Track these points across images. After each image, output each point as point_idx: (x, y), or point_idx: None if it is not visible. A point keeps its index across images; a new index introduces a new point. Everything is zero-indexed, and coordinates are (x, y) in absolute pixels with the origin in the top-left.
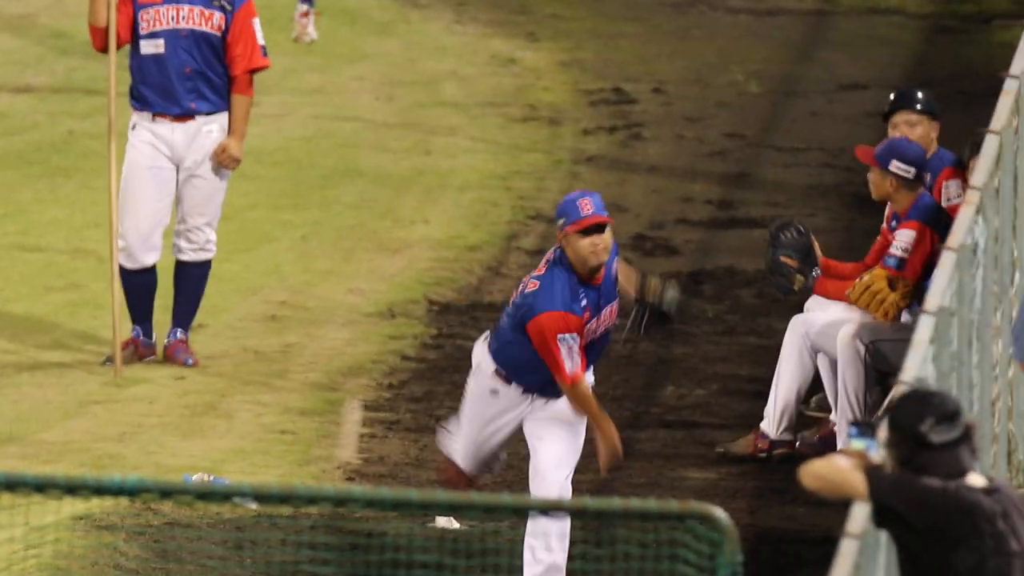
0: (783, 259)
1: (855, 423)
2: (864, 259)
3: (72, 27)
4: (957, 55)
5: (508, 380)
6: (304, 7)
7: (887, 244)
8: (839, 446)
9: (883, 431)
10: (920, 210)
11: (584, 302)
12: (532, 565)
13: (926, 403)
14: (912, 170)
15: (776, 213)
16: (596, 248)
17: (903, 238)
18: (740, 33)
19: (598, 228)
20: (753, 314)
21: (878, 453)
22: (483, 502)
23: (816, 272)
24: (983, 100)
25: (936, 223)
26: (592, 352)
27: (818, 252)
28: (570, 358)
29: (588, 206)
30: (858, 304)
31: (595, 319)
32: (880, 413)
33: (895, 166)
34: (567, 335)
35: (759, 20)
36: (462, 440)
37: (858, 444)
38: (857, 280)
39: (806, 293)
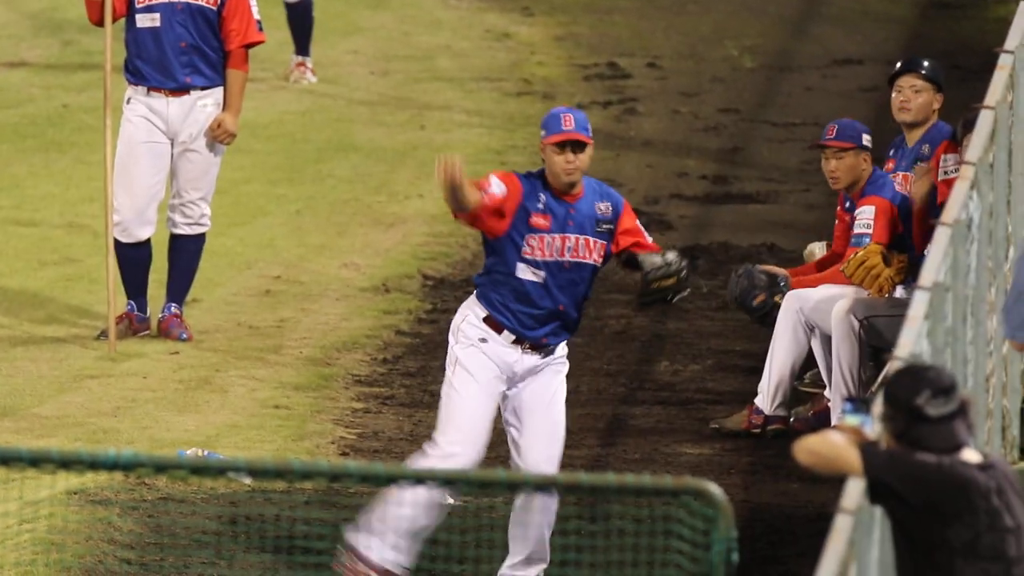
0: (757, 303)
1: (849, 399)
2: (833, 247)
3: (67, 0)
4: (952, 30)
5: (498, 328)
6: (299, 59)
7: (846, 227)
8: (833, 422)
9: (878, 406)
10: (874, 185)
11: (543, 206)
12: (545, 545)
13: (922, 377)
14: (871, 138)
15: (771, 188)
16: (569, 165)
17: (864, 215)
18: (735, 8)
19: (574, 145)
20: None
21: (873, 429)
22: (478, 477)
23: (783, 281)
24: (978, 75)
25: (893, 195)
26: (564, 285)
27: (774, 269)
28: (487, 185)
29: (569, 122)
30: (852, 279)
31: (555, 235)
32: (875, 388)
33: (867, 140)
34: (500, 182)
35: None
36: (456, 426)
37: (852, 420)
38: (851, 255)
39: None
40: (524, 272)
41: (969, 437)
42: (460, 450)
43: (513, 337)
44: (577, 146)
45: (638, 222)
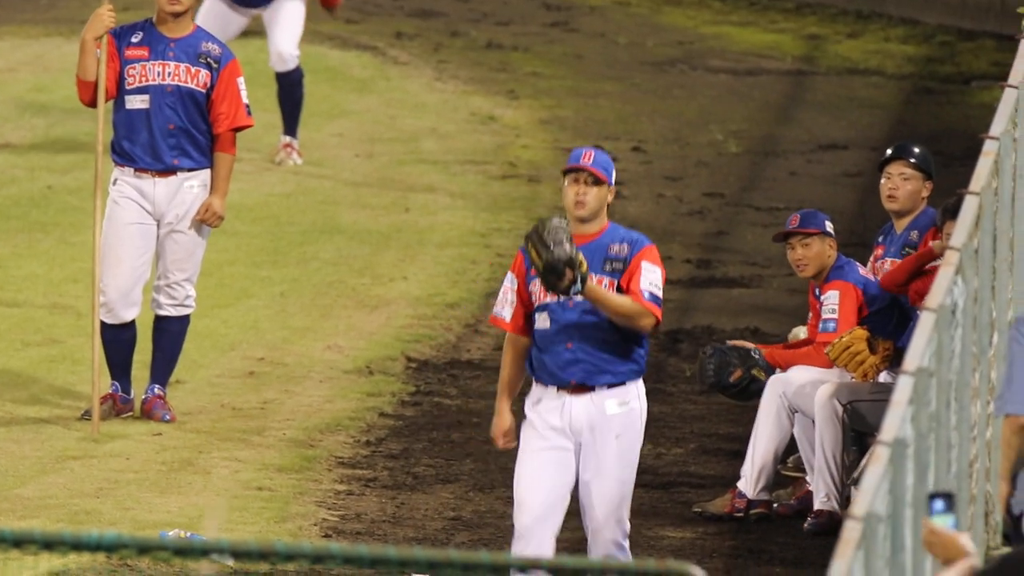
0: (734, 379)
1: (936, 495)
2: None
3: (52, 82)
4: (936, 116)
5: (543, 381)
6: (287, 139)
7: (818, 315)
8: (816, 506)
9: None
10: (839, 271)
11: None
12: None
13: None
14: (833, 225)
15: (754, 272)
16: (578, 197)
17: (830, 300)
18: (720, 93)
19: (589, 177)
20: None
21: (958, 528)
22: (461, 560)
23: (757, 353)
24: (961, 161)
25: (856, 279)
26: (572, 324)
27: (743, 343)
28: (502, 300)
29: (588, 157)
30: (837, 363)
31: None
32: (857, 473)
33: (829, 226)
34: (510, 274)
35: (739, 80)
36: (518, 504)
37: (943, 520)
38: (836, 340)
39: (769, 371)
40: (538, 321)
41: None
42: (526, 529)
43: (555, 387)
44: (591, 180)
45: (647, 267)
